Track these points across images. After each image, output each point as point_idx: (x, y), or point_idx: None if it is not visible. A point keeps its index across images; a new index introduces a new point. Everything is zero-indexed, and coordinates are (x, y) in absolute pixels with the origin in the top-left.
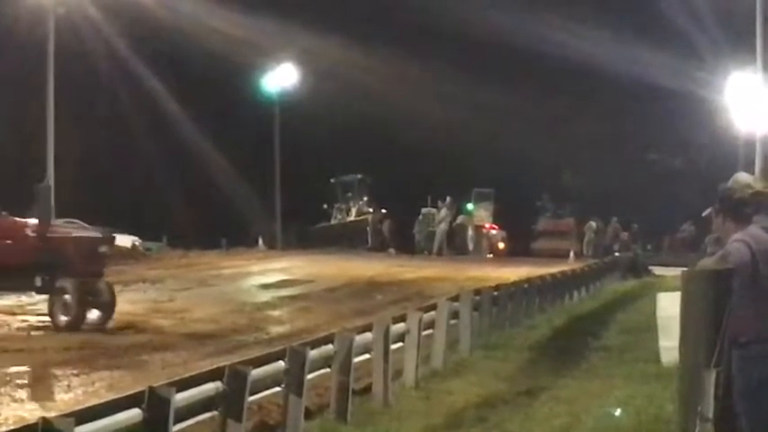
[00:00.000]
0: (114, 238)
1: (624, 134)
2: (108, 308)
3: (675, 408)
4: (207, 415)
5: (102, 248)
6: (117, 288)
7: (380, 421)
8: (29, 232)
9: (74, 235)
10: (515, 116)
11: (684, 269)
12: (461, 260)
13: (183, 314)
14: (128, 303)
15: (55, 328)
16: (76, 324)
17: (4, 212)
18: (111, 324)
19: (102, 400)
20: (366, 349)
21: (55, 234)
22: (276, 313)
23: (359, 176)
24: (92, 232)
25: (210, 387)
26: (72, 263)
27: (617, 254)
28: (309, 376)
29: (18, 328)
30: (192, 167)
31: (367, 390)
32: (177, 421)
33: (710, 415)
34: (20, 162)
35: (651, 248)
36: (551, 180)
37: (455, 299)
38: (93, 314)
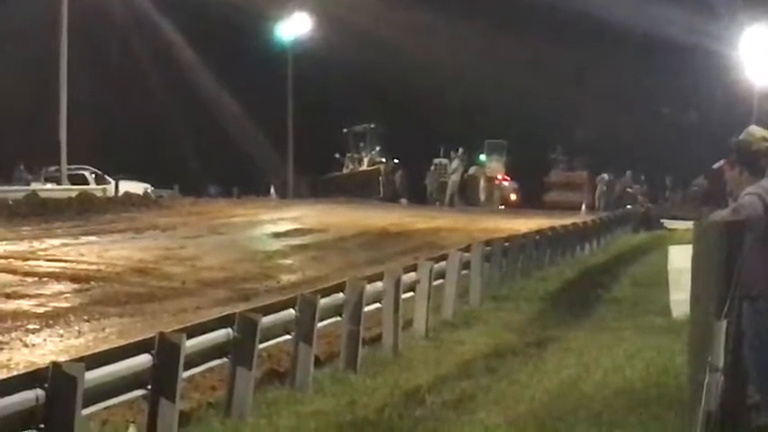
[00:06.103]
0: None
1: (638, 88)
2: None
3: (686, 359)
4: (217, 362)
5: None
6: (128, 235)
7: (390, 371)
8: None
9: None
10: (529, 68)
11: (696, 222)
12: (473, 211)
13: (193, 262)
14: (139, 250)
15: None
16: None
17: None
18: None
19: (112, 346)
20: (377, 299)
21: None
22: (287, 262)
23: (371, 126)
24: None
25: (221, 334)
26: None
27: (629, 206)
28: (320, 325)
29: (29, 273)
30: (206, 116)
31: (377, 339)
32: (187, 368)
33: (720, 365)
34: (33, 110)
35: (663, 202)
36: (564, 132)
37: (466, 249)
38: None
